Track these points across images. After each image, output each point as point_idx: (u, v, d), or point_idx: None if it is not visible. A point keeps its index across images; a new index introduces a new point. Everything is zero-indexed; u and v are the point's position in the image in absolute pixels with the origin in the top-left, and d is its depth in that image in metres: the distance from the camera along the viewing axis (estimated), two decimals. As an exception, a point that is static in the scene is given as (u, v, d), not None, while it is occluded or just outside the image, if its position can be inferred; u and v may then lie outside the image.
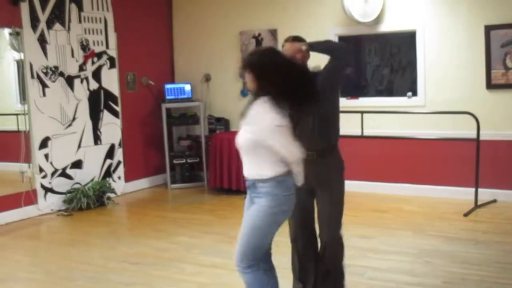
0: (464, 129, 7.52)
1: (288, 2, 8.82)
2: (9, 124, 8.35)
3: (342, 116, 8.23)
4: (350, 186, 8.38)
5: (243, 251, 3.92)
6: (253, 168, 3.84)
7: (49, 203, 7.97)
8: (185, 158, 9.41)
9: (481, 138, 7.26)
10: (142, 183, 9.43)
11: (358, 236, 6.41)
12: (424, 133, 7.93)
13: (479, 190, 7.34)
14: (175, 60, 10.01)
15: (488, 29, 7.46)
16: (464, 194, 7.61)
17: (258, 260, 3.94)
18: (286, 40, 4.73)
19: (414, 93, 8.12)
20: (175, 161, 9.41)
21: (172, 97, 9.37)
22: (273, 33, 8.92)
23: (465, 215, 7.06)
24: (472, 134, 7.27)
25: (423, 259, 5.61)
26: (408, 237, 6.34)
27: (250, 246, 3.89)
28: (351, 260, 5.58)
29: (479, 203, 7.34)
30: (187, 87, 9.46)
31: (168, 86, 9.43)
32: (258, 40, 9.06)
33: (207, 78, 9.59)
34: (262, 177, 3.78)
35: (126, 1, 9.03)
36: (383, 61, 8.80)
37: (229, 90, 9.42)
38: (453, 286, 4.95)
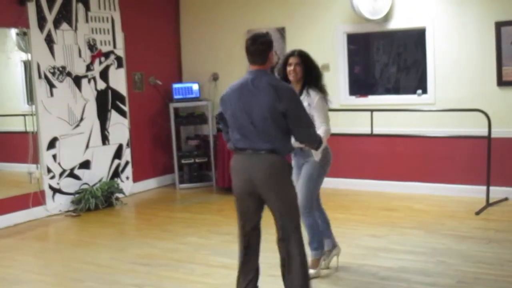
0: (474, 127, 7.45)
1: (296, 0, 8.75)
2: (17, 125, 8.34)
3: (351, 114, 8.24)
4: (359, 185, 8.44)
5: (305, 199, 4.98)
6: None
7: (57, 204, 7.94)
8: (193, 157, 9.36)
9: (492, 135, 7.18)
10: (150, 183, 9.39)
11: (369, 235, 6.35)
12: (434, 131, 7.86)
13: (491, 188, 7.27)
14: (182, 59, 9.96)
15: (499, 25, 7.39)
16: (475, 192, 7.53)
17: (312, 207, 5.09)
18: (291, 55, 5.04)
19: (424, 91, 8.05)
20: (183, 161, 9.36)
21: (180, 96, 9.32)
22: (281, 31, 8.87)
23: (477, 213, 6.99)
24: (483, 131, 7.20)
25: (436, 258, 5.54)
26: (420, 236, 6.27)
27: (310, 193, 5.02)
28: (362, 260, 5.56)
29: (490, 201, 7.27)
30: (195, 87, 9.41)
31: (175, 85, 9.39)
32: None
33: (215, 77, 9.54)
34: None
35: (133, 0, 8.98)
36: (391, 59, 8.73)
37: (237, 89, 9.35)
38: (467, 286, 4.89)
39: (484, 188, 7.29)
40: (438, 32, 7.84)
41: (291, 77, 5.01)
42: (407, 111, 7.93)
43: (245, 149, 4.17)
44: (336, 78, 8.47)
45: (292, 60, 5.04)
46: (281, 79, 4.85)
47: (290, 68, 5.02)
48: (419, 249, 5.80)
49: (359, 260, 5.59)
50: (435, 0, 7.85)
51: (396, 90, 8.63)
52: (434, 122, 7.92)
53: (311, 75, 5.04)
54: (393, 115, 8.03)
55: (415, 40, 8.29)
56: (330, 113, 5.15)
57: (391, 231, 6.46)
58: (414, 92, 8.15)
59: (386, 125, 8.01)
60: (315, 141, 4.33)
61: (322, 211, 5.38)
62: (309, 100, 4.93)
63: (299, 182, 5.04)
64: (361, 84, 8.74)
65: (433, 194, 7.90)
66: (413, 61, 8.47)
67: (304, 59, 5.06)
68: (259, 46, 4.14)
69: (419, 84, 8.22)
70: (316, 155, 4.96)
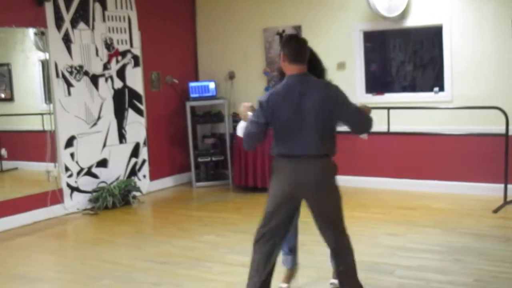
0: (492, 124, 7.39)
1: (312, -2, 8.76)
2: (35, 124, 8.40)
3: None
4: (377, 183, 8.42)
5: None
6: None
7: (75, 202, 7.99)
8: (210, 156, 9.38)
9: (510, 133, 7.13)
10: (167, 182, 9.42)
11: (386, 233, 6.35)
12: (452, 128, 7.82)
13: (508, 186, 7.23)
14: (199, 58, 9.98)
15: (516, 22, 7.36)
16: (492, 191, 7.49)
17: None
18: None
19: (441, 89, 8.02)
20: (199, 159, 9.38)
21: (196, 95, 9.34)
22: (297, 29, 8.86)
23: (494, 211, 6.95)
24: (501, 129, 7.16)
25: (453, 257, 5.52)
26: (437, 235, 6.25)
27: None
28: (379, 258, 5.55)
29: (508, 199, 7.22)
30: (211, 85, 9.43)
31: (192, 84, 9.40)
32: (282, 36, 9.00)
33: (231, 76, 9.55)
34: None
35: (150, -1, 9.03)
36: (408, 56, 8.70)
37: (254, 88, 9.36)
38: (485, 284, 4.87)
39: (501, 186, 7.25)
40: (455, 30, 7.80)
41: None
42: (424, 109, 7.91)
43: (297, 154, 4.12)
44: (353, 76, 8.46)
45: None
46: (282, 78, 4.58)
47: None
48: (436, 248, 5.79)
49: (376, 258, 5.58)
50: (452, -2, 7.82)
51: (412, 87, 8.60)
52: (451, 119, 7.88)
53: (316, 70, 4.93)
54: (409, 113, 8.01)
55: (431, 37, 8.26)
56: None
57: (409, 230, 6.45)
58: (431, 90, 8.12)
59: (403, 123, 7.97)
60: (371, 124, 4.29)
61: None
62: None
63: None
64: (377, 82, 8.73)
65: (451, 192, 7.86)
66: (429, 58, 8.44)
67: (309, 55, 5.00)
68: (303, 45, 4.22)
69: (436, 81, 8.18)
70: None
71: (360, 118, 4.21)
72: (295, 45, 4.18)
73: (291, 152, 4.15)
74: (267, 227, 4.27)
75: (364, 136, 4.65)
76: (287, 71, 4.21)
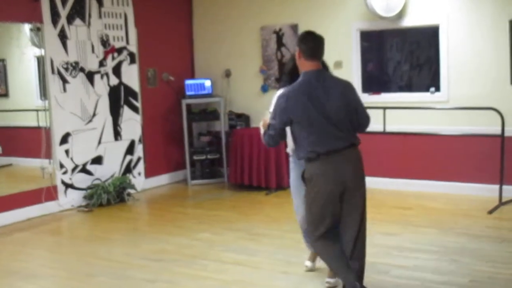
0: (488, 125, 7.40)
1: (309, -3, 8.75)
2: (30, 120, 8.36)
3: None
4: (372, 183, 8.36)
5: None
6: None
7: (70, 199, 7.96)
8: (205, 154, 9.36)
9: (506, 134, 7.14)
10: (162, 179, 9.40)
11: (382, 233, 6.33)
12: (448, 129, 7.83)
13: (504, 187, 7.24)
14: (195, 55, 9.96)
15: (514, 23, 7.36)
16: (488, 191, 7.50)
17: None
18: None
19: (437, 89, 8.02)
20: (195, 157, 9.37)
21: (192, 93, 9.32)
22: (294, 28, 8.85)
23: (490, 212, 6.96)
24: (497, 130, 7.16)
25: (449, 257, 5.52)
26: (433, 235, 6.24)
27: None
28: (375, 258, 5.53)
29: (503, 200, 7.23)
30: (207, 83, 9.40)
31: (188, 81, 9.38)
32: (279, 35, 9.00)
33: (227, 74, 9.53)
34: None
35: (146, -4, 9.00)
36: (405, 56, 8.69)
37: (250, 86, 9.36)
38: (481, 285, 4.87)
39: (497, 187, 7.26)
40: (452, 30, 7.80)
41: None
42: (420, 109, 7.90)
43: (333, 149, 4.17)
44: (349, 76, 8.40)
45: None
46: (291, 78, 4.66)
47: None
48: (432, 248, 5.78)
49: (372, 258, 5.52)
50: (449, -2, 7.82)
51: (409, 87, 8.59)
52: (447, 120, 7.88)
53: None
54: (405, 112, 8.01)
55: (428, 37, 8.25)
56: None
57: (404, 230, 6.45)
58: (427, 90, 8.12)
59: (399, 122, 7.98)
60: (369, 125, 4.48)
61: None
62: None
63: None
64: (374, 81, 8.71)
65: (446, 192, 7.86)
66: (426, 58, 8.44)
67: None
68: (320, 41, 4.31)
69: (432, 81, 8.18)
70: None
71: (367, 116, 4.36)
72: (312, 42, 4.25)
73: (326, 148, 4.19)
74: (323, 227, 4.34)
75: None
76: (302, 67, 4.26)
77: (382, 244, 5.96)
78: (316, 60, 4.25)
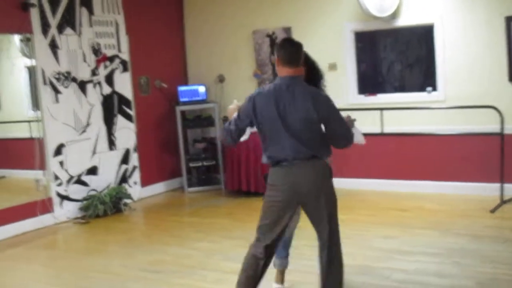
0: (486, 124, 7.33)
1: (302, -1, 8.66)
2: (22, 131, 8.25)
3: (360, 113, 8.13)
4: (368, 184, 8.33)
5: None
6: None
7: (65, 211, 7.86)
8: (201, 161, 9.26)
9: (505, 132, 7.07)
10: (158, 188, 9.30)
11: (381, 236, 6.25)
12: (445, 128, 7.74)
13: (505, 185, 7.16)
14: (188, 61, 9.87)
15: (509, 20, 7.25)
16: (488, 190, 7.42)
17: None
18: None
19: (434, 88, 7.94)
20: (191, 164, 9.27)
21: (186, 99, 9.23)
22: (287, 31, 8.77)
23: (492, 211, 6.87)
24: (495, 128, 7.09)
25: (451, 259, 5.43)
26: (433, 237, 6.15)
27: None
28: (375, 262, 5.46)
29: (504, 198, 7.15)
30: (201, 89, 9.31)
31: (181, 88, 9.29)
32: (272, 38, 8.91)
33: (221, 79, 9.44)
34: None
35: (137, 3, 8.89)
36: (400, 56, 8.63)
37: (244, 90, 9.19)
38: (485, 287, 4.79)
39: (497, 185, 7.18)
40: (447, 28, 7.72)
41: None
42: (417, 109, 7.83)
43: (286, 159, 4.04)
44: (344, 77, 8.38)
45: None
46: None
47: None
48: (433, 250, 5.69)
49: (372, 262, 5.49)
50: (443, -4, 7.74)
51: (405, 87, 8.51)
52: (445, 119, 7.80)
53: (314, 76, 4.69)
54: (402, 113, 7.92)
55: (423, 37, 8.18)
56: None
57: (403, 232, 6.35)
58: (423, 90, 8.04)
59: (396, 123, 7.90)
60: (350, 142, 4.20)
61: None
62: None
63: None
64: (369, 82, 8.63)
65: (445, 192, 7.77)
66: (422, 58, 8.37)
67: (306, 59, 4.65)
68: (298, 46, 4.16)
69: (428, 81, 8.09)
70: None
71: (340, 132, 4.10)
72: (289, 48, 4.13)
73: (283, 157, 4.06)
74: (270, 236, 4.17)
75: (361, 140, 4.55)
76: (280, 74, 4.13)
77: (381, 247, 5.88)
78: (293, 67, 4.06)
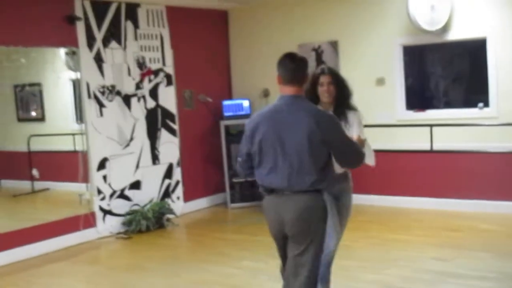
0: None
1: (349, 12, 8.49)
2: (66, 144, 8.24)
3: (409, 130, 7.91)
4: (418, 203, 8.08)
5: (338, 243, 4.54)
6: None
7: (108, 226, 7.78)
8: (245, 176, 9.09)
9: (562, 150, 6.80)
10: (201, 203, 9.18)
11: (433, 258, 6.00)
12: (498, 146, 7.48)
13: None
14: (232, 75, 9.77)
15: None
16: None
17: None
18: (322, 73, 4.54)
19: (486, 104, 7.68)
20: (234, 180, 9.13)
21: (230, 113, 9.12)
22: (334, 45, 8.60)
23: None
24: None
25: (509, 284, 5.17)
26: (489, 259, 5.89)
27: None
28: (429, 286, 5.25)
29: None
30: (245, 103, 9.19)
31: (226, 102, 9.19)
32: (318, 52, 8.75)
33: (266, 94, 9.31)
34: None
35: (182, 17, 8.83)
36: (449, 71, 8.39)
37: (289, 105, 9.10)
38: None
39: (554, 206, 6.91)
40: (500, 42, 7.48)
41: (324, 98, 4.52)
42: (468, 126, 7.58)
43: (277, 189, 3.71)
44: (392, 92, 8.17)
45: (323, 79, 4.53)
46: (309, 100, 4.10)
47: (322, 89, 4.51)
48: (491, 274, 5.43)
49: (426, 286, 5.26)
50: (496, 9, 7.49)
51: (455, 103, 8.27)
52: (498, 136, 7.53)
53: (344, 94, 4.58)
54: (453, 130, 7.69)
55: (475, 51, 7.93)
56: (387, 129, 4.81)
57: (457, 254, 6.10)
58: (475, 106, 7.79)
59: (446, 140, 7.68)
60: (361, 161, 3.88)
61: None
62: (345, 122, 4.48)
63: (333, 219, 4.41)
64: (418, 98, 8.41)
65: (498, 212, 7.50)
66: (473, 73, 8.12)
67: (336, 77, 4.61)
68: (300, 63, 3.75)
69: (480, 97, 7.83)
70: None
71: (348, 152, 3.76)
72: (289, 65, 3.72)
73: (267, 184, 3.75)
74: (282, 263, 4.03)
75: (371, 161, 4.38)
76: (280, 92, 3.79)
77: (435, 270, 5.65)
78: (294, 86, 3.70)
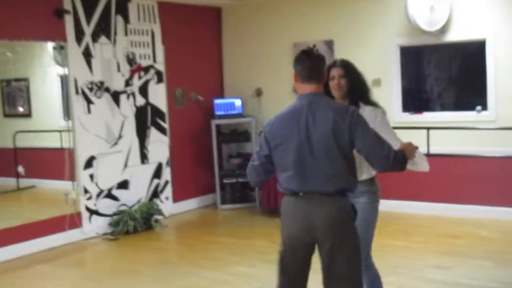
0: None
1: (345, 11, 8.32)
2: (53, 141, 8.06)
3: (405, 132, 7.72)
4: (416, 208, 7.91)
5: (366, 253, 4.09)
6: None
7: (94, 226, 7.55)
8: (236, 177, 8.90)
9: None
10: (190, 204, 8.96)
11: (433, 266, 5.82)
12: (496, 150, 7.32)
13: None
14: (224, 74, 9.56)
15: None
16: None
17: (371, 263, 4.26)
18: (333, 66, 4.12)
19: (484, 107, 7.53)
20: (225, 180, 8.92)
21: (222, 113, 8.91)
22: (329, 44, 8.42)
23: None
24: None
25: (512, 294, 5.00)
26: (490, 268, 5.70)
27: (369, 244, 4.16)
28: (430, 296, 5.04)
29: None
30: (238, 102, 8.99)
31: (217, 101, 8.98)
32: (311, 52, 8.54)
33: (259, 93, 9.11)
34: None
35: (174, 12, 8.61)
36: (446, 73, 8.22)
37: (282, 105, 8.76)
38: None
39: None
40: (499, 45, 7.33)
41: (335, 93, 4.11)
42: (466, 129, 7.43)
43: (304, 191, 3.47)
44: (389, 94, 7.99)
45: (334, 72, 4.09)
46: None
47: (333, 82, 4.07)
48: (493, 284, 5.25)
49: (426, 295, 5.08)
50: (496, 10, 7.34)
51: (453, 106, 8.10)
52: (496, 140, 7.38)
53: (358, 88, 4.16)
54: (450, 133, 7.53)
55: (474, 52, 7.76)
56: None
57: (458, 262, 5.90)
58: (473, 109, 7.63)
59: (443, 143, 7.51)
60: (400, 162, 3.50)
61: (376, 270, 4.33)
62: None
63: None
64: (415, 100, 8.23)
65: (497, 218, 7.32)
66: (471, 75, 7.95)
67: (349, 69, 4.15)
68: (317, 61, 3.56)
69: (478, 100, 7.67)
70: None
71: (378, 150, 3.45)
72: (308, 62, 3.53)
73: (293, 187, 3.51)
74: (286, 281, 3.64)
75: (425, 167, 4.08)
76: (299, 91, 3.58)
77: (435, 279, 5.46)
78: (313, 83, 3.52)
